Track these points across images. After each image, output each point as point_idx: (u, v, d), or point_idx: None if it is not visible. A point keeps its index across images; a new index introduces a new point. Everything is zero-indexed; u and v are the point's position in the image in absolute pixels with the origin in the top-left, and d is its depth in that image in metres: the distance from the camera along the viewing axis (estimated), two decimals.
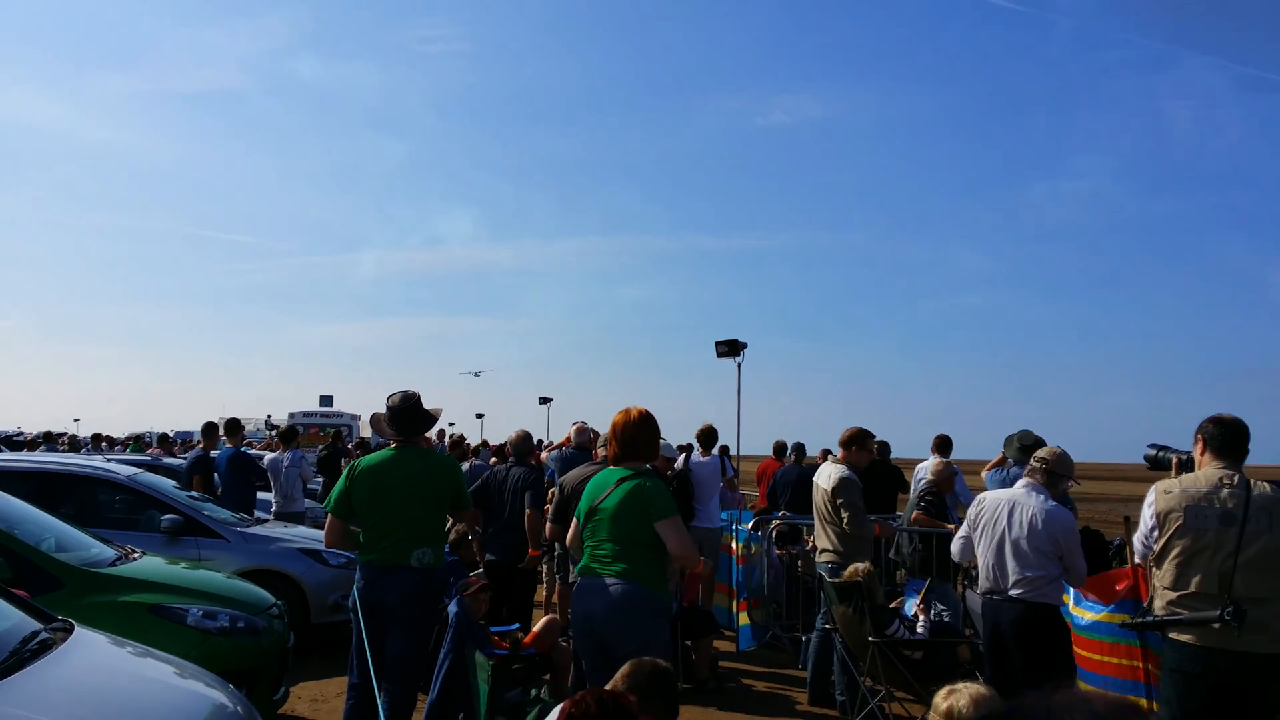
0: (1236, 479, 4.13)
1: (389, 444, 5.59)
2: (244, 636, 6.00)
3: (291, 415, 36.88)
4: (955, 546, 5.84)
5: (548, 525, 7.01)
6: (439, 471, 5.50)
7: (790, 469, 11.56)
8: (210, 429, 11.75)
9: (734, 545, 10.00)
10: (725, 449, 14.87)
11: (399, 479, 5.36)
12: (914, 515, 8.71)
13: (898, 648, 6.43)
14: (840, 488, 7.08)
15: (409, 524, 5.31)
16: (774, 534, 9.96)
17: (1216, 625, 3.99)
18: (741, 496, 15.12)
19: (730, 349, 15.83)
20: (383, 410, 5.61)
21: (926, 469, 10.63)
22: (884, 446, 11.14)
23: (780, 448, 14.07)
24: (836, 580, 6.69)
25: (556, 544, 8.32)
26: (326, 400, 43.21)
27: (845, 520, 7.02)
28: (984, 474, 9.70)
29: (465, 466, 12.90)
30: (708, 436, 10.00)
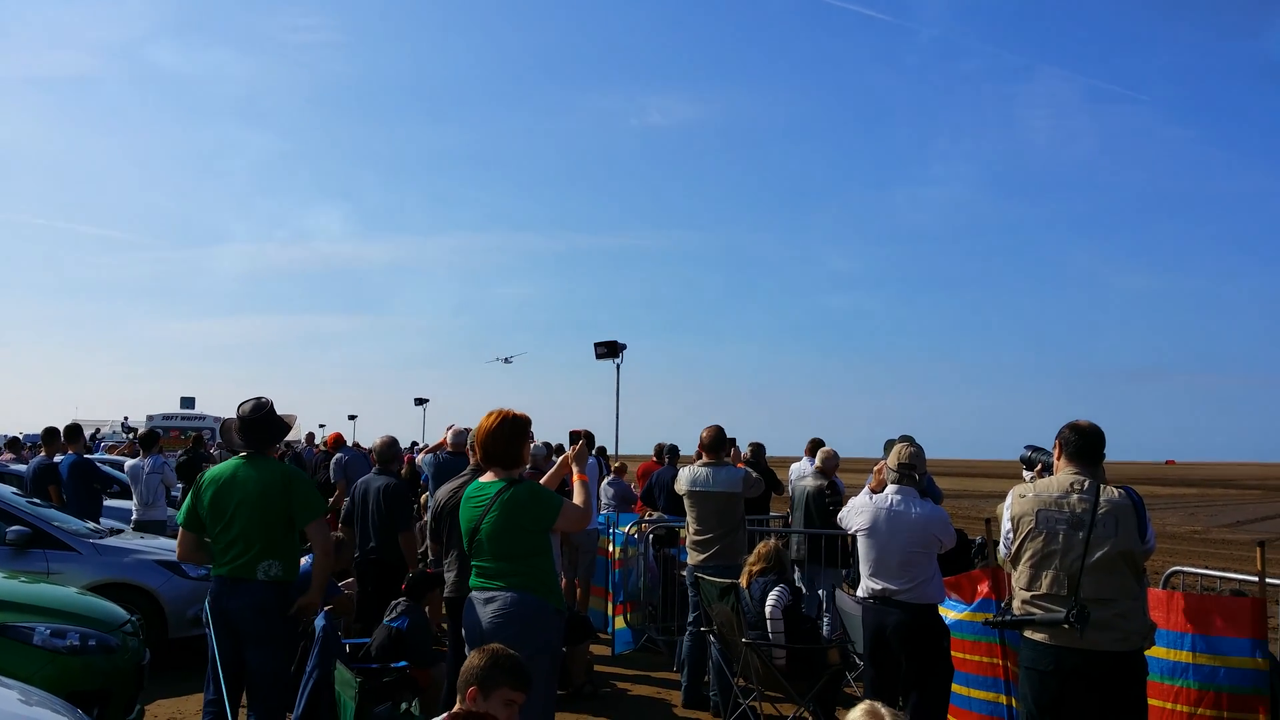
0: (1087, 484, 4.31)
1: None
2: (96, 655, 5.74)
3: (150, 418, 35.32)
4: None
5: (429, 544, 6.91)
6: (277, 482, 5.26)
7: (666, 471, 11.63)
8: (51, 434, 11.21)
9: (610, 548, 10.00)
10: (603, 450, 14.87)
11: (240, 491, 5.18)
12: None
13: (770, 649, 6.52)
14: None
15: (252, 536, 5.14)
16: (650, 536, 10.01)
17: (1065, 625, 4.16)
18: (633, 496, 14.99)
19: (609, 350, 15.88)
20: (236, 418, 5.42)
21: (803, 470, 10.86)
22: (758, 448, 11.31)
23: (660, 450, 14.14)
24: (714, 580, 6.77)
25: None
26: (188, 402, 41.52)
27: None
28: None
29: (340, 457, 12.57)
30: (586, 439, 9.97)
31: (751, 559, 6.90)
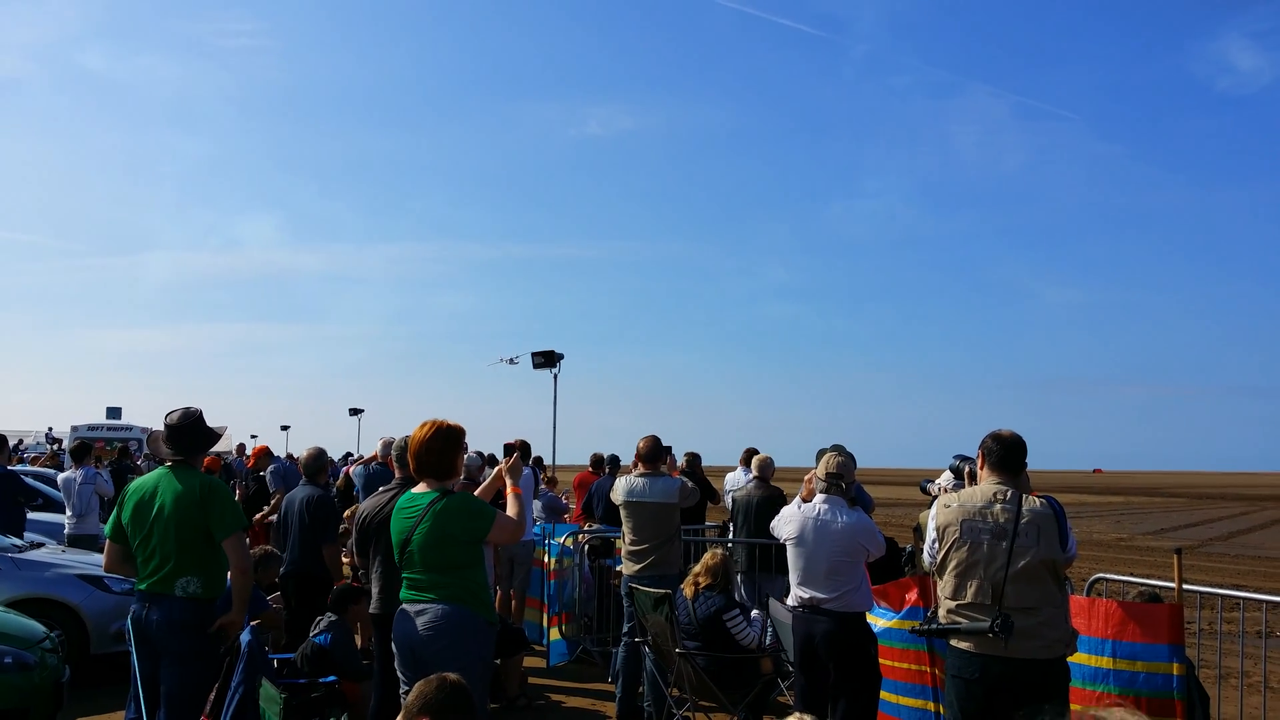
0: (1009, 494, 4.40)
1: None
2: (13, 673, 5.61)
3: (75, 428, 34.29)
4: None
5: (355, 557, 6.82)
6: (195, 494, 5.08)
7: (605, 481, 11.62)
8: None
9: (546, 559, 9.96)
10: (539, 460, 14.81)
11: (161, 503, 5.04)
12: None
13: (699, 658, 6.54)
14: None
15: (169, 551, 4.99)
16: (585, 547, 9.99)
17: (990, 635, 4.24)
18: (568, 506, 15.00)
19: (546, 360, 15.84)
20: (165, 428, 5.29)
21: (738, 480, 10.92)
22: (694, 458, 11.35)
23: (598, 460, 14.12)
24: (649, 590, 6.77)
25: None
26: (114, 412, 40.34)
27: None
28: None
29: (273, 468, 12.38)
30: (521, 450, 9.94)
31: (698, 570, 6.87)
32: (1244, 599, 7.25)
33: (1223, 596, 6.84)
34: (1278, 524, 37.59)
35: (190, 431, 5.26)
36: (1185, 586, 5.47)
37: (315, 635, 6.49)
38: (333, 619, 6.59)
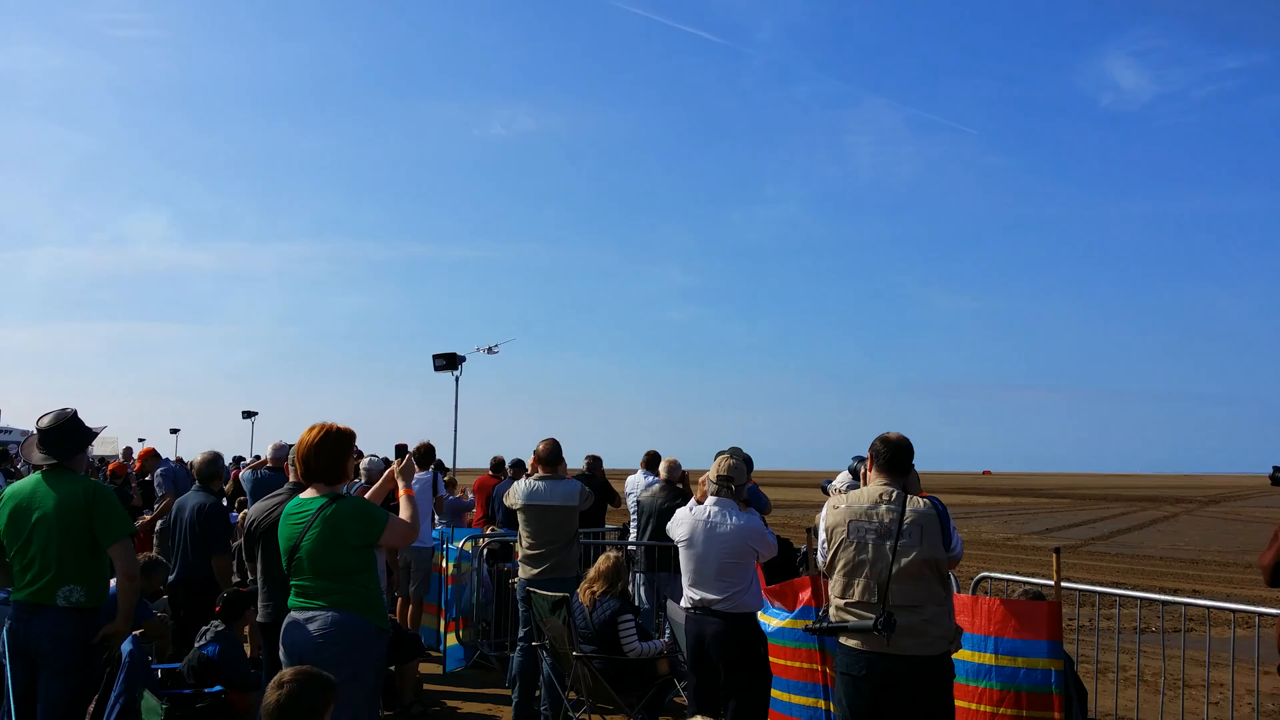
0: (895, 495, 4.51)
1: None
2: None
3: None
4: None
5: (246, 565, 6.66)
6: (79, 499, 4.89)
7: (506, 484, 11.52)
8: None
9: (444, 564, 9.84)
10: (440, 465, 14.61)
11: (40, 509, 4.84)
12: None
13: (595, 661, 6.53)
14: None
15: (50, 558, 4.81)
16: (485, 551, 9.90)
17: (875, 632, 4.34)
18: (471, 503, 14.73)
19: (448, 363, 15.65)
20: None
21: (639, 482, 10.93)
22: (595, 461, 11.35)
23: (498, 463, 13.99)
24: (546, 594, 6.73)
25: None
26: None
27: None
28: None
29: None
30: (423, 454, 9.82)
31: (592, 575, 6.85)
32: (1121, 596, 7.57)
33: (1101, 594, 7.10)
34: (1156, 524, 39.30)
35: (65, 434, 5.04)
36: (1066, 584, 5.68)
37: (202, 645, 6.30)
38: (220, 628, 6.40)
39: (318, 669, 3.61)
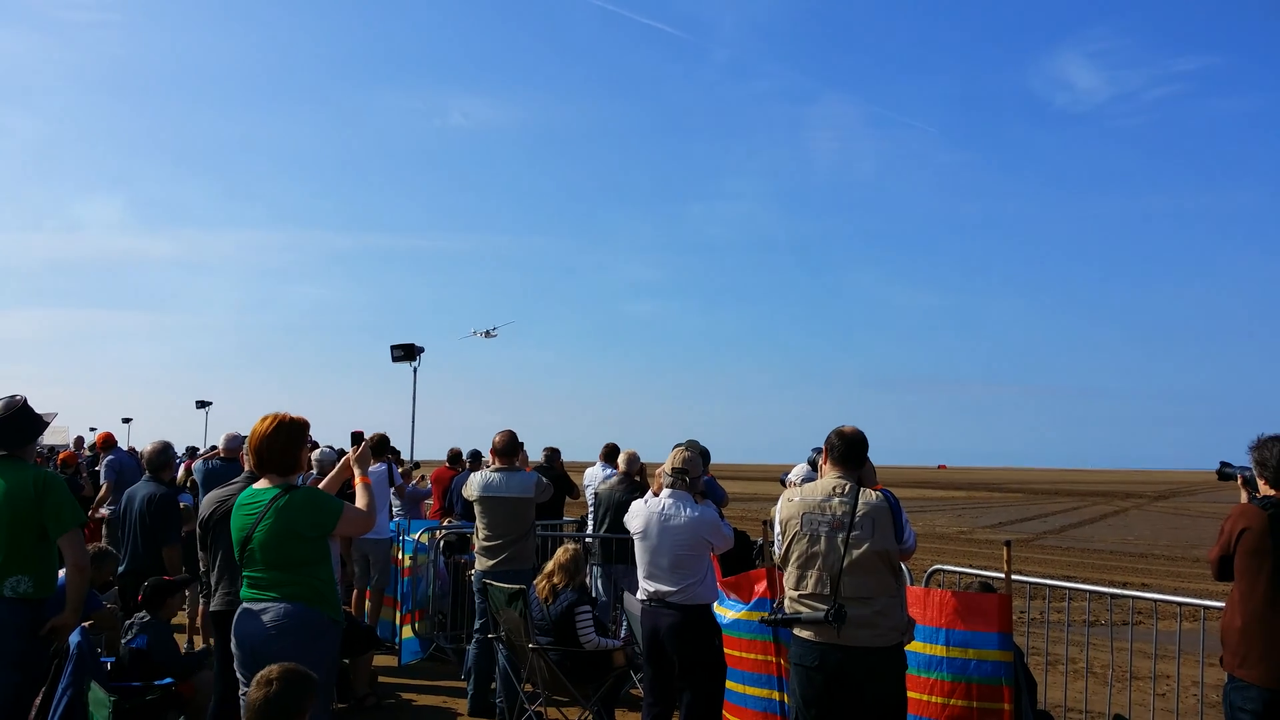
0: (848, 488, 4.55)
1: None
2: None
3: None
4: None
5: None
6: (28, 489, 4.82)
7: (464, 476, 11.46)
8: None
9: (400, 556, 9.78)
10: (396, 455, 14.51)
11: None
12: None
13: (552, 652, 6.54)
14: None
15: None
16: (441, 544, 9.86)
17: (826, 623, 4.38)
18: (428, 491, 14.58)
19: (406, 354, 15.54)
20: None
21: (598, 475, 10.93)
22: (553, 453, 11.33)
23: (455, 455, 13.91)
24: (502, 586, 6.72)
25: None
26: None
27: None
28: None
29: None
30: (377, 446, 9.74)
31: (550, 567, 6.84)
32: (1070, 589, 7.70)
33: (1051, 587, 7.21)
34: (1106, 519, 39.98)
35: (15, 423, 4.96)
36: (1017, 578, 5.75)
37: (129, 640, 6.17)
38: (145, 619, 6.28)
39: (302, 666, 3.58)
